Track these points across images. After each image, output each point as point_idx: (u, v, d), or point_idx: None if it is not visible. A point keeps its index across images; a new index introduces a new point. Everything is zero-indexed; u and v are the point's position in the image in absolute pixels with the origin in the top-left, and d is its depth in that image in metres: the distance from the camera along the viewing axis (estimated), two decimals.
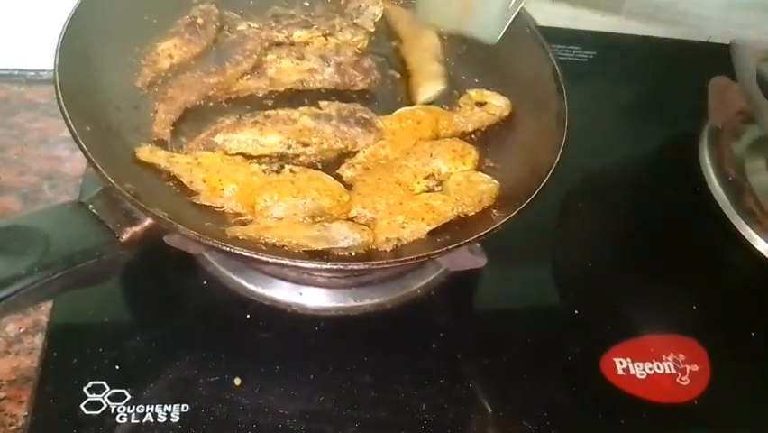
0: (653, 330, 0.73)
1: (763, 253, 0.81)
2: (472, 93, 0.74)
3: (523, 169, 0.68)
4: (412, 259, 0.61)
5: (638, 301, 0.76)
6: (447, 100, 0.75)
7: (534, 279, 0.77)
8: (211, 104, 0.70)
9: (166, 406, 0.61)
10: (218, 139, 0.65)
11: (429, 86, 0.74)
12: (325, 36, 0.76)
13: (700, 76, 0.90)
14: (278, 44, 0.74)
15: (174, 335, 0.66)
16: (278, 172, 0.63)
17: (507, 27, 0.67)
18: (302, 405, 0.63)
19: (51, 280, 0.54)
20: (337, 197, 0.63)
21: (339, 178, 0.66)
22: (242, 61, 0.70)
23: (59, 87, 0.60)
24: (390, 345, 0.68)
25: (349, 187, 0.65)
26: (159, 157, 0.63)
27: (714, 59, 0.88)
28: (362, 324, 0.69)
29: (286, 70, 0.72)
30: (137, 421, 0.59)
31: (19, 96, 0.84)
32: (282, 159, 0.66)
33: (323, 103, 0.70)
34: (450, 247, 0.60)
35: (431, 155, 0.68)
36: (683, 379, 0.70)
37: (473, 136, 0.73)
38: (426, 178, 0.67)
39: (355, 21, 0.78)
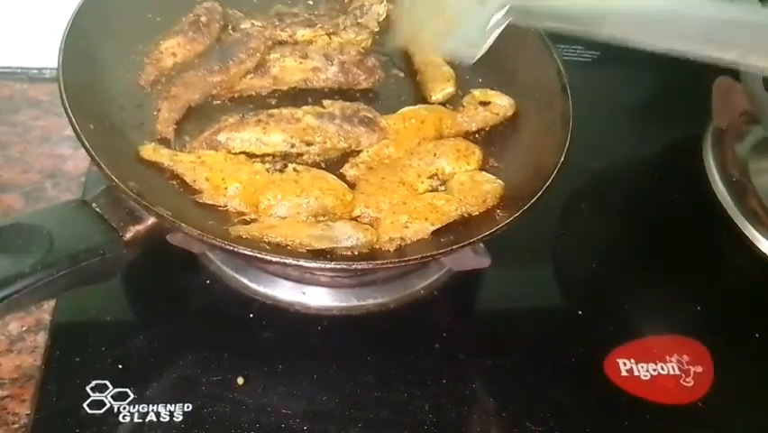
0: (657, 331, 0.73)
1: (767, 253, 0.81)
2: (476, 92, 0.74)
3: (527, 169, 0.68)
4: (415, 259, 0.61)
5: (642, 302, 0.76)
6: (451, 100, 0.75)
7: (538, 279, 0.77)
8: (214, 102, 0.70)
9: (169, 405, 0.60)
10: (221, 138, 0.65)
11: (439, 88, 0.74)
12: (329, 35, 0.75)
13: (704, 76, 0.90)
14: (282, 43, 0.74)
15: (177, 334, 0.66)
16: (281, 171, 0.63)
17: (486, 48, 0.66)
18: (305, 405, 0.63)
19: (55, 279, 0.54)
20: (340, 196, 0.63)
21: (342, 177, 0.66)
22: (246, 60, 0.70)
23: (62, 85, 0.60)
24: (393, 345, 0.68)
25: (352, 186, 0.65)
26: (162, 155, 0.63)
27: None
28: (365, 324, 0.69)
29: (289, 69, 0.72)
30: (140, 420, 0.59)
31: (22, 94, 0.84)
32: (285, 158, 0.66)
33: (326, 102, 0.69)
34: (453, 247, 0.60)
35: (435, 155, 0.68)
36: (687, 380, 0.69)
37: (477, 136, 0.73)
38: (430, 177, 0.67)
39: (359, 20, 0.77)
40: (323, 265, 0.59)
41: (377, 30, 0.79)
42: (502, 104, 0.74)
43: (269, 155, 0.66)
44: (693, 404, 0.68)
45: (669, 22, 0.56)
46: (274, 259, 0.57)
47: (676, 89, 0.96)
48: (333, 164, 0.67)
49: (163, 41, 0.71)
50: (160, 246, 0.60)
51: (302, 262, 0.57)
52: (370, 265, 0.62)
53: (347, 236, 0.60)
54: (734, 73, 0.85)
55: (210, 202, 0.61)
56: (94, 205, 0.58)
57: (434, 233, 0.63)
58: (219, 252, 0.68)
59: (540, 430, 0.64)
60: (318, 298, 0.69)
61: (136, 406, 0.60)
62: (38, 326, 0.65)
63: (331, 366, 0.65)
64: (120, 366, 0.62)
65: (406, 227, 0.62)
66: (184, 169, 0.62)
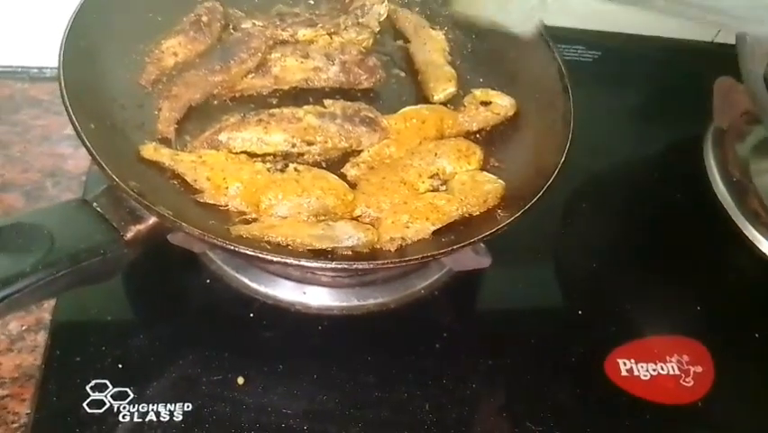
0: (657, 331, 0.73)
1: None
2: (477, 92, 0.74)
3: (528, 169, 0.68)
4: (416, 259, 0.60)
5: (642, 302, 0.76)
6: (452, 99, 0.75)
7: (538, 279, 0.77)
8: (215, 102, 0.70)
9: (169, 405, 0.60)
10: (222, 137, 0.65)
11: (441, 88, 0.74)
12: (330, 35, 0.75)
13: (705, 76, 0.90)
14: (283, 42, 0.74)
15: (177, 333, 0.66)
16: (282, 171, 0.63)
17: (539, 22, 0.69)
18: (305, 404, 0.63)
19: (56, 278, 0.54)
20: (341, 196, 0.63)
21: (343, 177, 0.65)
22: (247, 60, 0.70)
23: (63, 85, 0.60)
24: (394, 345, 0.68)
25: (353, 186, 0.65)
26: (163, 155, 0.63)
27: (719, 59, 0.88)
28: (366, 323, 0.69)
29: (290, 69, 0.72)
30: (140, 420, 0.59)
31: (22, 93, 0.84)
32: (287, 157, 0.66)
33: (327, 102, 0.69)
34: (454, 247, 0.60)
35: (436, 154, 0.67)
36: (687, 380, 0.69)
37: (478, 136, 0.73)
38: (431, 177, 0.67)
39: (360, 20, 0.77)
40: (324, 265, 0.59)
41: (378, 29, 0.78)
42: (503, 104, 0.74)
43: (270, 155, 0.66)
44: (693, 404, 0.68)
45: None
46: (275, 259, 0.57)
47: (677, 89, 0.96)
48: (335, 164, 0.67)
49: (164, 40, 0.71)
50: (161, 246, 0.60)
51: (303, 262, 0.57)
52: (371, 265, 0.62)
53: (348, 236, 0.60)
54: (735, 73, 0.85)
55: (211, 202, 0.61)
56: (95, 204, 0.58)
57: (435, 233, 0.63)
58: (220, 251, 0.68)
59: (540, 430, 0.64)
60: (319, 297, 0.69)
61: (136, 405, 0.60)
62: (38, 325, 0.65)
63: (331, 366, 0.65)
64: (120, 366, 0.62)
65: (407, 227, 0.62)
66: (185, 168, 0.62)
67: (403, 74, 0.78)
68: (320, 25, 0.75)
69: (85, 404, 0.59)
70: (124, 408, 0.60)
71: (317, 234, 0.59)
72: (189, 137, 0.66)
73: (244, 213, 0.61)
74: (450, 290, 0.72)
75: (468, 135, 0.72)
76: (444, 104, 0.74)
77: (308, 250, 0.59)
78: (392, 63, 0.78)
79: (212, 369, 0.63)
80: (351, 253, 0.59)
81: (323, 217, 0.62)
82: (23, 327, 0.65)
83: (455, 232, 0.63)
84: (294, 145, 0.66)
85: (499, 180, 0.67)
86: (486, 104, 0.73)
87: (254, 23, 0.74)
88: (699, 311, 0.76)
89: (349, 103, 0.70)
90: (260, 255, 0.56)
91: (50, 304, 0.66)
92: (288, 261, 0.57)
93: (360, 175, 0.66)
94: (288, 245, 0.58)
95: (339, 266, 0.60)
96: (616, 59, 0.99)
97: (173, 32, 0.71)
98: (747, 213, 0.83)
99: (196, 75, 0.69)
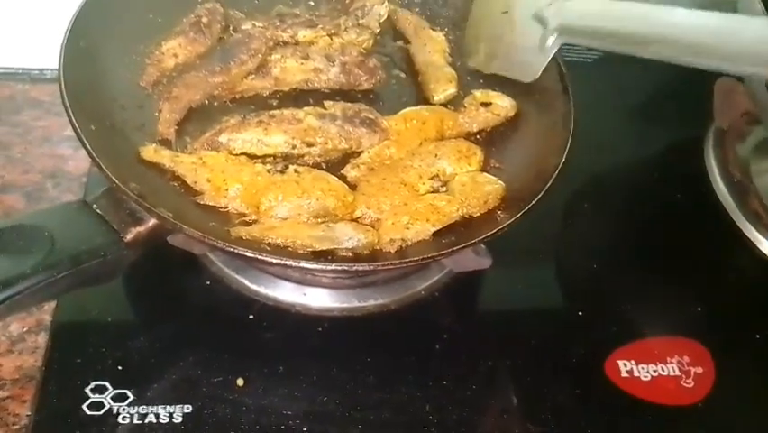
0: (658, 332, 0.73)
1: None
2: (477, 93, 0.74)
3: (528, 170, 0.68)
4: (417, 260, 0.60)
5: (642, 303, 0.76)
6: (452, 101, 0.74)
7: (539, 280, 0.77)
8: (215, 103, 0.70)
9: (168, 407, 0.60)
10: (223, 139, 0.65)
11: (441, 89, 0.74)
12: (330, 36, 0.75)
13: (706, 77, 0.90)
14: (283, 44, 0.74)
15: (177, 335, 0.66)
16: (282, 172, 0.63)
17: (544, 66, 0.71)
18: (305, 406, 0.63)
19: (56, 280, 0.54)
20: (342, 197, 0.63)
21: (343, 178, 0.65)
22: (247, 61, 0.70)
23: (63, 86, 0.60)
24: (394, 346, 0.68)
25: (353, 187, 0.65)
26: (163, 156, 0.63)
27: None
28: (366, 324, 0.69)
29: (290, 70, 0.72)
30: (139, 422, 0.59)
31: (23, 95, 0.84)
32: (287, 159, 0.66)
33: (327, 103, 0.69)
34: (455, 248, 0.60)
35: (436, 156, 0.67)
36: (688, 381, 0.69)
37: (478, 137, 0.73)
38: (431, 178, 0.67)
39: (360, 21, 0.77)
40: (324, 267, 0.59)
41: (378, 30, 0.78)
42: (503, 105, 0.74)
43: (270, 156, 0.66)
44: (694, 405, 0.68)
45: (713, 45, 0.59)
46: (275, 260, 0.57)
47: (677, 90, 0.96)
48: (335, 165, 0.67)
49: (164, 41, 0.71)
50: (161, 248, 0.60)
51: (303, 264, 0.57)
52: (372, 267, 0.62)
53: (348, 237, 0.60)
54: None
55: (211, 203, 0.61)
56: (95, 206, 0.58)
57: (436, 234, 0.62)
58: (220, 253, 0.68)
59: (540, 431, 0.64)
60: (319, 299, 0.69)
61: (136, 407, 0.60)
62: (39, 326, 0.65)
63: (331, 367, 0.65)
64: (120, 367, 0.62)
65: (408, 228, 0.62)
66: (185, 170, 0.62)
67: (403, 75, 0.77)
68: (320, 26, 0.75)
69: (85, 406, 0.59)
70: (124, 409, 0.60)
71: (317, 236, 0.59)
72: (190, 138, 0.66)
73: (244, 214, 0.61)
74: (450, 291, 0.72)
75: (468, 136, 0.72)
76: (445, 105, 0.74)
77: (308, 251, 0.59)
78: (392, 64, 0.78)
79: (212, 370, 0.63)
80: (351, 254, 0.59)
81: (323, 219, 0.62)
82: (24, 329, 0.65)
83: (455, 233, 0.63)
84: (294, 147, 0.66)
85: (500, 181, 0.67)
86: (486, 105, 0.73)
87: (254, 25, 0.74)
88: (700, 312, 0.76)
89: (349, 104, 0.69)
90: (260, 257, 0.56)
91: (50, 306, 0.66)
92: (288, 262, 0.57)
93: (360, 176, 0.66)
94: (288, 247, 0.58)
95: (339, 268, 0.60)
96: (616, 59, 0.98)
97: (173, 34, 0.71)
98: (748, 213, 0.83)
99: (197, 76, 0.69)
